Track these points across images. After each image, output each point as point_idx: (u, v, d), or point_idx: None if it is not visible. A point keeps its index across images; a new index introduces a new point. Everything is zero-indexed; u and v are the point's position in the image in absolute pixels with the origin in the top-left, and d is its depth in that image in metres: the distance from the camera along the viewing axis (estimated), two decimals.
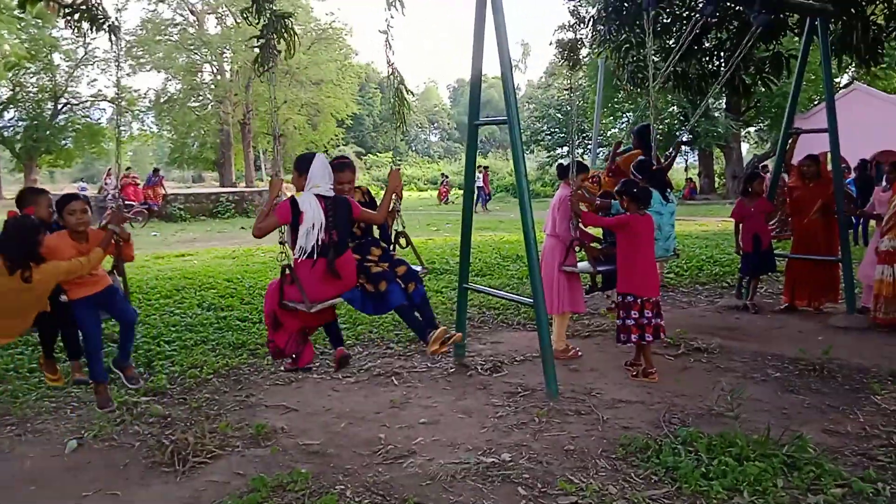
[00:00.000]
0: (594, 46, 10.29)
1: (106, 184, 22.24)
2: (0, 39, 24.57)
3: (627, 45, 9.59)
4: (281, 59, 4.77)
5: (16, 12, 19.79)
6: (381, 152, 56.31)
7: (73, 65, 31.37)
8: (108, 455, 4.13)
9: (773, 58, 9.26)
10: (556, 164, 7.00)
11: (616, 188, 5.72)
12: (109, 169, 6.35)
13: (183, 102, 35.13)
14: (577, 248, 5.89)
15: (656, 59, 9.61)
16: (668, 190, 6.31)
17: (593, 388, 5.20)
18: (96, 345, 4.96)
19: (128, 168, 24.03)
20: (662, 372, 5.47)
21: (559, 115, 38.16)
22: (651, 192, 5.64)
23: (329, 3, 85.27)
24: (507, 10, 5.13)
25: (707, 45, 9.95)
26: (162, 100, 35.29)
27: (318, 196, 4.17)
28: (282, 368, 4.75)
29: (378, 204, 4.68)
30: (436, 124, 76.51)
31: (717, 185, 34.54)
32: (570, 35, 10.33)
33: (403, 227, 4.80)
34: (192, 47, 34.54)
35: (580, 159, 6.29)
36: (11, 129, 30.68)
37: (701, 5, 7.66)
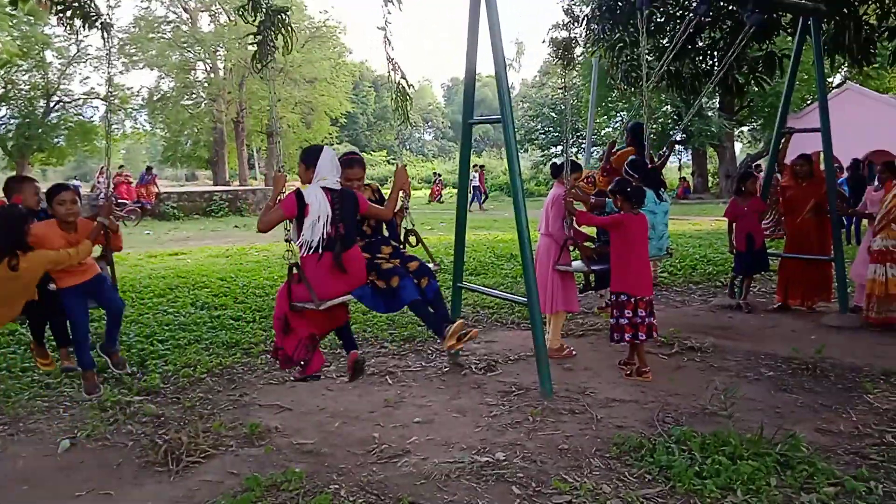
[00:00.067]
0: (588, 45, 10.31)
1: (99, 182, 22.17)
2: None
3: (621, 44, 9.61)
4: (276, 56, 4.76)
5: (8, 9, 19.68)
6: (375, 151, 56.29)
7: (66, 62, 31.17)
8: (102, 454, 4.12)
9: (767, 57, 9.30)
10: (550, 163, 7.00)
11: (609, 187, 5.73)
12: (102, 167, 6.32)
13: (176, 100, 35.00)
14: (570, 248, 5.90)
15: (650, 59, 9.64)
16: (662, 189, 6.33)
17: (587, 387, 5.21)
18: (83, 332, 5.11)
19: (121, 166, 23.96)
20: (656, 371, 5.49)
21: (553, 114, 38.23)
22: (645, 191, 5.65)
23: (323, 0, 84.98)
24: (501, 8, 5.12)
25: (700, 44, 9.98)
26: (155, 98, 35.16)
27: (325, 189, 4.09)
28: (291, 378, 4.61)
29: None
30: (430, 123, 76.52)
31: (710, 185, 34.61)
32: (565, 34, 10.38)
33: (413, 225, 4.75)
34: (185, 45, 34.40)
35: (574, 158, 6.29)
36: (3, 126, 30.47)
37: (695, 5, 7.67)
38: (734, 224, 7.90)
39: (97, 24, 6.21)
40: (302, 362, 4.31)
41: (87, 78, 70.17)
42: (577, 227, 5.91)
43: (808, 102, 26.00)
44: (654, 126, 27.92)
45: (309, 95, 35.85)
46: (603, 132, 34.05)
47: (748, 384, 5.24)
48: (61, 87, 31.48)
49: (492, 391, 5.15)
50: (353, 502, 3.46)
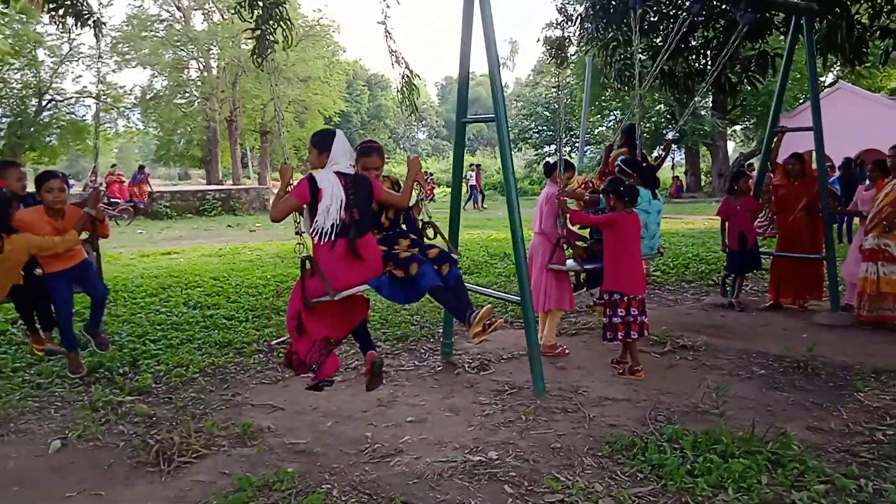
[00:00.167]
0: (582, 44, 10.32)
1: (91, 181, 22.09)
2: None
3: (615, 44, 9.62)
4: (261, 70, 4.74)
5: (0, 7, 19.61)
6: None
7: (58, 61, 31.03)
8: (93, 455, 4.10)
9: (759, 56, 9.33)
10: (544, 161, 7.02)
11: (602, 186, 5.74)
12: (94, 167, 6.31)
13: (169, 99, 34.87)
14: (564, 246, 5.91)
15: (643, 58, 9.65)
16: (656, 188, 6.36)
17: (580, 385, 5.22)
18: (67, 315, 5.22)
19: (113, 165, 23.91)
20: (648, 370, 5.50)
21: (547, 113, 38.24)
22: (638, 190, 5.66)
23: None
24: (494, 7, 5.14)
25: (694, 43, 10.00)
26: (148, 96, 35.00)
27: (338, 173, 3.96)
28: (305, 386, 4.41)
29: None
30: (424, 122, 76.43)
31: (703, 184, 34.72)
32: (558, 33, 10.37)
33: (430, 217, 4.61)
34: (178, 44, 34.28)
35: (567, 157, 6.30)
36: None
37: (688, 4, 7.69)
38: (727, 223, 7.93)
39: (89, 22, 6.20)
40: (315, 366, 4.11)
41: (80, 76, 70.01)
42: (569, 226, 5.91)
43: (801, 101, 26.10)
44: (648, 125, 28.00)
45: (303, 94, 35.75)
46: (596, 131, 34.14)
47: (740, 382, 5.26)
48: (53, 85, 31.34)
49: (485, 390, 5.16)
50: (346, 502, 3.45)
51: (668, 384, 5.21)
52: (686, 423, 4.29)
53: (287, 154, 4.88)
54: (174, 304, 7.98)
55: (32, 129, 29.99)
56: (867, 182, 7.76)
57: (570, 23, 10.29)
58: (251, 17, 4.64)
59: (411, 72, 5.02)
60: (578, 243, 6.11)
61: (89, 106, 31.81)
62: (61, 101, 31.72)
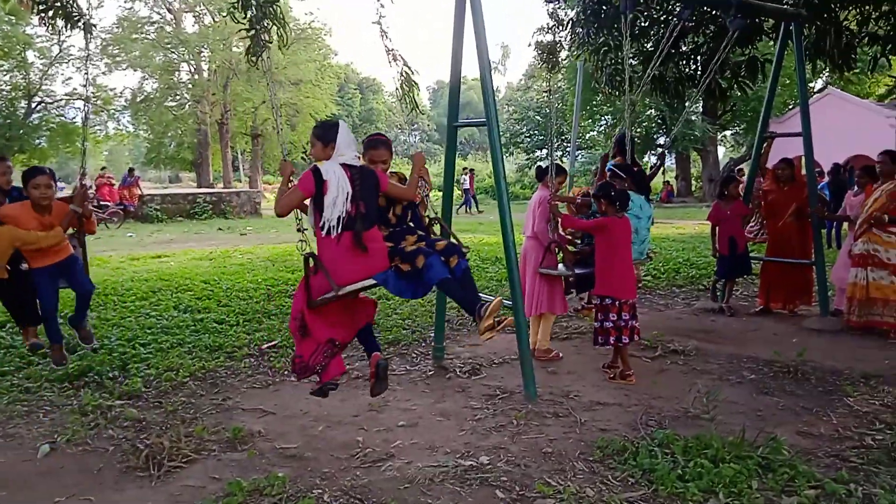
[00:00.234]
0: (573, 49, 10.35)
1: (80, 181, 21.97)
2: None
3: (606, 48, 9.66)
4: (257, 68, 4.73)
5: None
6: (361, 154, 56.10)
7: (48, 63, 30.90)
8: (82, 459, 4.07)
9: (749, 62, 9.39)
10: (536, 165, 7.04)
11: (593, 192, 5.76)
12: (85, 174, 6.28)
13: (160, 102, 34.76)
14: (556, 250, 5.92)
15: (634, 63, 9.70)
16: (648, 194, 6.40)
17: (571, 390, 5.22)
18: (52, 310, 5.28)
19: (103, 168, 23.80)
20: (639, 374, 5.51)
21: (538, 118, 38.34)
22: (628, 194, 5.68)
23: (308, 2, 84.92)
24: (486, 11, 5.14)
25: (684, 48, 10.06)
26: (138, 99, 34.90)
27: (344, 165, 3.89)
28: (309, 392, 4.31)
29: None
30: (415, 125, 76.50)
31: (693, 188, 34.88)
32: (550, 37, 10.40)
33: (436, 214, 4.54)
34: (168, 46, 34.20)
35: (559, 162, 6.32)
36: None
37: (678, 10, 7.73)
38: (717, 228, 7.97)
39: (79, 24, 6.18)
40: (318, 368, 3.99)
41: (70, 79, 69.59)
42: (560, 230, 5.93)
43: (790, 107, 26.25)
44: (639, 130, 28.11)
45: (294, 97, 35.74)
46: (588, 135, 34.21)
47: (730, 387, 5.28)
48: (43, 87, 31.20)
49: (476, 395, 5.15)
50: None
51: (659, 389, 5.22)
52: (677, 428, 4.30)
53: (287, 150, 4.84)
54: (164, 308, 7.94)
55: (22, 131, 29.82)
56: (856, 188, 7.81)
57: (561, 27, 10.33)
58: (245, 18, 4.63)
59: (409, 68, 5.01)
60: (569, 248, 6.12)
61: (79, 108, 31.71)
62: (51, 103, 31.58)
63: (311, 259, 3.82)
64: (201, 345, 6.45)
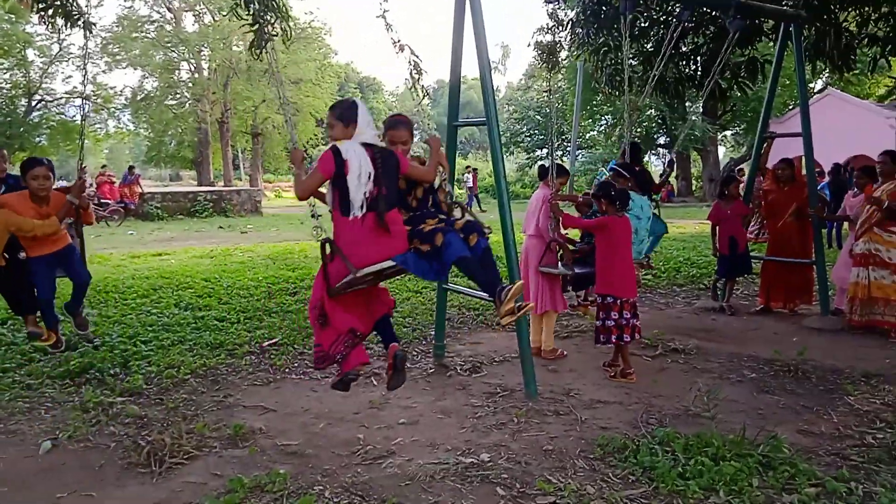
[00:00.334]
0: (573, 49, 10.36)
1: (80, 175, 21.97)
2: None
3: (605, 49, 9.67)
4: (265, 54, 4.74)
5: None
6: None
7: (48, 61, 30.89)
8: (84, 456, 4.08)
9: (749, 63, 9.40)
10: (539, 164, 7.05)
11: (593, 192, 5.77)
12: (84, 167, 6.28)
13: (160, 100, 34.77)
14: (557, 249, 5.93)
15: (633, 63, 9.71)
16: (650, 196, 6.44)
17: (572, 388, 5.23)
18: (48, 297, 5.39)
19: (103, 166, 23.79)
20: (640, 373, 5.52)
21: (538, 117, 38.36)
22: (629, 193, 5.69)
23: (308, 2, 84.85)
24: (486, 11, 5.15)
25: (684, 49, 10.07)
26: (139, 97, 34.91)
27: (364, 145, 3.77)
28: (330, 385, 4.20)
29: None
30: (415, 125, 76.46)
31: (694, 188, 34.90)
32: (550, 38, 10.41)
33: (454, 199, 4.48)
34: (169, 45, 34.20)
35: (560, 162, 6.33)
36: None
37: (678, 11, 7.74)
38: (717, 227, 7.98)
39: (79, 22, 6.19)
40: (339, 357, 3.89)
41: (70, 77, 69.37)
42: (561, 229, 5.93)
43: (790, 107, 26.25)
44: (639, 130, 28.12)
45: (294, 96, 35.71)
46: (588, 135, 34.22)
47: (731, 386, 5.29)
48: (43, 85, 31.20)
49: (477, 392, 5.16)
50: (338, 503, 3.45)
51: (660, 387, 5.23)
52: (677, 426, 4.31)
53: (296, 138, 4.77)
54: (165, 306, 7.94)
55: (22, 129, 29.82)
56: (855, 189, 7.82)
57: (561, 28, 10.35)
58: (248, 14, 4.64)
59: (417, 56, 5.01)
60: (569, 247, 6.13)
61: (79, 106, 31.71)
62: (51, 101, 31.58)
63: (327, 245, 3.73)
64: (202, 342, 6.46)
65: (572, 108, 20.48)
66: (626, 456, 3.87)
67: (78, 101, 30.46)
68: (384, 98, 64.53)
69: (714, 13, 9.07)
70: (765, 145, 8.28)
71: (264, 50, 4.53)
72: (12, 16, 26.71)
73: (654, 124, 29.96)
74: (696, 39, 9.97)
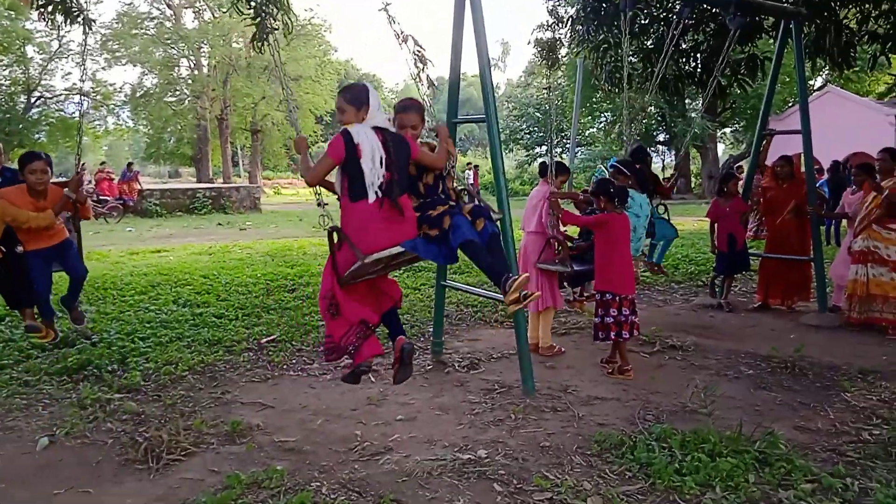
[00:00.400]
0: (573, 46, 10.36)
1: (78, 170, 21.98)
2: None
3: (605, 46, 9.67)
4: (263, 54, 4.75)
5: None
6: None
7: (47, 58, 30.87)
8: (81, 452, 4.08)
9: (749, 60, 9.40)
10: (540, 162, 7.05)
11: (591, 189, 5.77)
12: (84, 164, 6.30)
13: (159, 97, 34.76)
14: (556, 247, 5.94)
15: (633, 60, 9.70)
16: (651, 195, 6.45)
17: (569, 384, 5.23)
18: (44, 292, 5.48)
19: (102, 163, 23.77)
20: (638, 369, 5.52)
21: (538, 114, 38.28)
22: (627, 190, 5.69)
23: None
24: (486, 8, 5.15)
25: (684, 46, 10.06)
26: (138, 94, 34.89)
27: (375, 129, 3.72)
28: (340, 378, 4.19)
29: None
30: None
31: (693, 185, 34.88)
32: (549, 35, 10.40)
33: (462, 187, 4.44)
34: (168, 41, 34.18)
35: (559, 159, 6.33)
36: None
37: (678, 9, 7.74)
38: (716, 224, 7.99)
39: (79, 19, 6.19)
40: (351, 349, 3.84)
41: (69, 74, 69.24)
42: (560, 226, 5.94)
43: (790, 105, 26.24)
44: (639, 127, 28.08)
45: (294, 93, 35.70)
46: (587, 132, 34.20)
47: (728, 382, 5.29)
48: (42, 82, 31.18)
49: (474, 389, 5.17)
50: (335, 500, 3.45)
51: (657, 384, 5.24)
52: (674, 423, 4.31)
53: (299, 127, 4.73)
54: (163, 302, 7.95)
55: (21, 126, 29.81)
56: (853, 186, 7.82)
57: (561, 25, 10.33)
58: (250, 8, 4.64)
59: (421, 46, 5.01)
60: (567, 244, 6.14)
61: (79, 103, 31.66)
62: (50, 98, 31.56)
63: (335, 233, 3.69)
64: (200, 339, 6.46)
65: (572, 106, 20.50)
66: (623, 452, 3.88)
67: (77, 98, 30.43)
68: (385, 95, 64.46)
69: (714, 10, 9.06)
70: (764, 142, 8.28)
71: (266, 43, 4.52)
72: (12, 12, 26.71)
73: (653, 121, 29.92)
74: (696, 36, 9.97)
